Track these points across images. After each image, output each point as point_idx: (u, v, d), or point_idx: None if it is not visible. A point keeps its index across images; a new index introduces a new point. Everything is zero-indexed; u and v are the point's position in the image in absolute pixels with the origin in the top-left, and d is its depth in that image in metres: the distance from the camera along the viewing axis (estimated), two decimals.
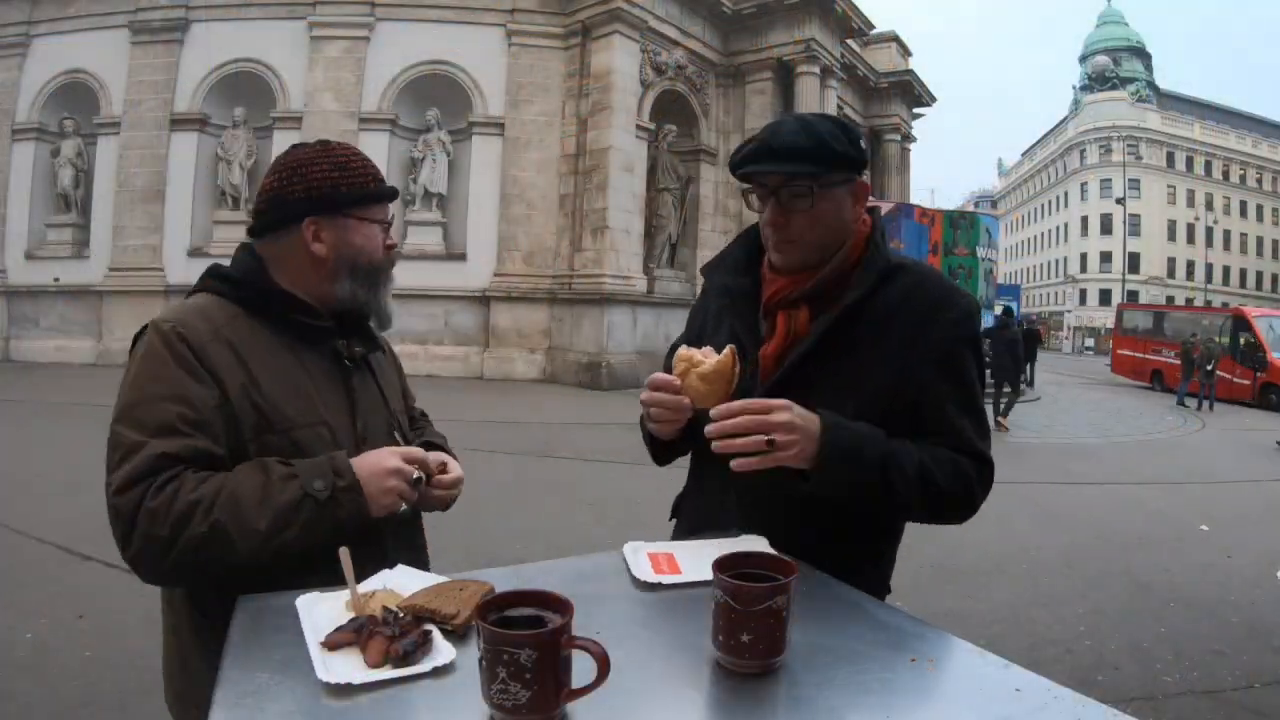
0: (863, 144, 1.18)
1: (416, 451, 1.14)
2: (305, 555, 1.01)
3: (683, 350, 1.10)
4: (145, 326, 1.10)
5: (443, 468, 1.20)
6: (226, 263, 1.22)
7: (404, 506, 1.11)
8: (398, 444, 1.25)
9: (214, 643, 1.11)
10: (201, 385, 1.04)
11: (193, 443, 1.01)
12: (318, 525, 1.02)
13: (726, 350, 1.07)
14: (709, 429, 1.02)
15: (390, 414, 1.29)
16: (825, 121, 1.16)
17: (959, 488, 1.12)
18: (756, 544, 1.06)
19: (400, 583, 0.95)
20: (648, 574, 0.98)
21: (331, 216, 1.18)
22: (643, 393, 1.15)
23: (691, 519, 1.32)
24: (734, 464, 1.01)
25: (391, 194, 1.27)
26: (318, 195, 1.16)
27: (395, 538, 1.19)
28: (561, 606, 0.71)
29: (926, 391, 1.13)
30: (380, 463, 1.08)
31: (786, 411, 1.01)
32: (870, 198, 1.23)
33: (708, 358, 1.07)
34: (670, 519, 1.41)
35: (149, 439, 0.99)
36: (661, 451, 1.31)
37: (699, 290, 1.43)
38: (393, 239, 1.28)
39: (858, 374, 1.13)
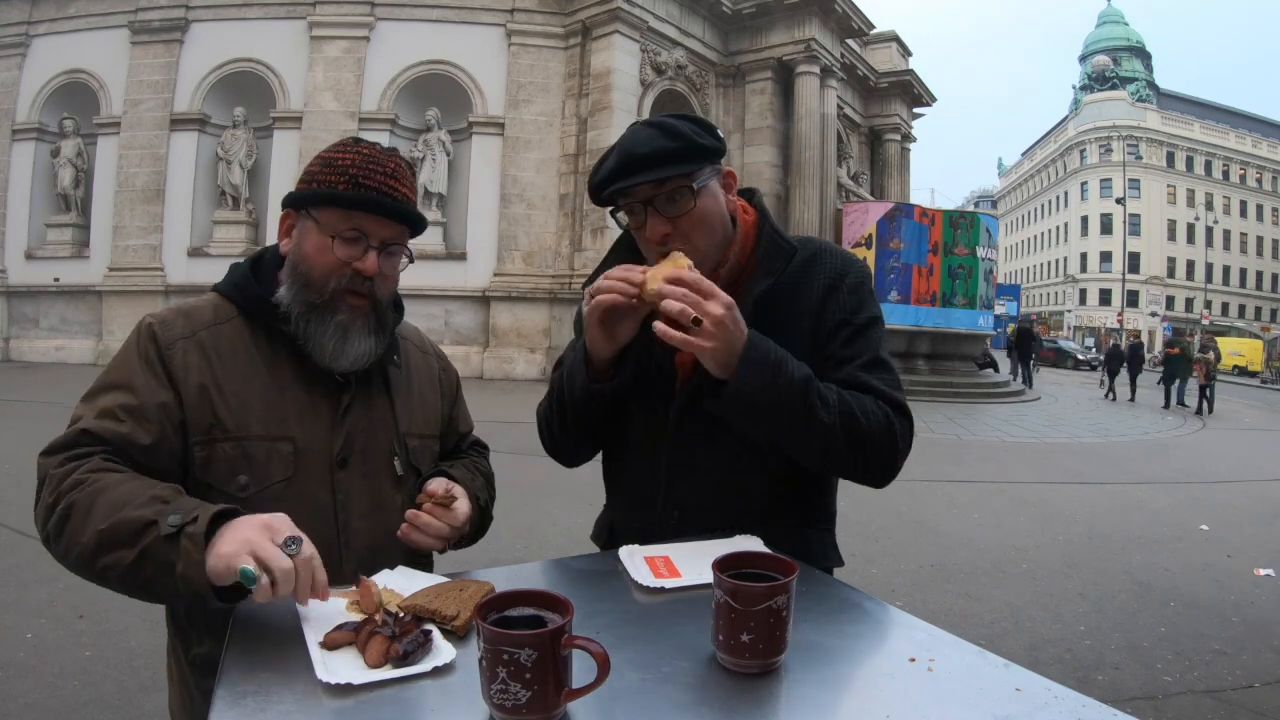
0: (719, 131, 1.17)
1: (308, 548, 0.86)
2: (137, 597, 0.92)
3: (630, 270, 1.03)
4: None
5: (445, 497, 1.08)
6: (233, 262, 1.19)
7: (250, 567, 0.81)
8: (396, 472, 1.16)
9: (183, 649, 1.11)
10: (154, 381, 1.03)
11: (119, 428, 0.99)
12: (150, 563, 0.87)
13: (687, 262, 1.02)
14: (656, 290, 0.98)
15: (399, 437, 1.18)
16: (677, 118, 1.13)
17: (879, 428, 1.08)
18: (753, 544, 1.07)
19: (400, 583, 0.95)
20: (648, 579, 0.98)
21: (298, 212, 1.12)
22: (589, 297, 1.06)
23: (624, 499, 1.29)
24: (655, 325, 0.99)
25: (366, 203, 1.07)
26: (297, 188, 1.12)
27: (361, 551, 1.10)
28: (561, 606, 0.71)
29: (840, 353, 1.14)
30: (254, 521, 0.87)
31: (723, 307, 0.98)
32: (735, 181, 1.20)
33: (674, 258, 1.03)
34: (593, 539, 1.37)
35: (86, 416, 1.01)
36: (580, 419, 1.18)
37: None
38: (368, 262, 1.08)
39: None
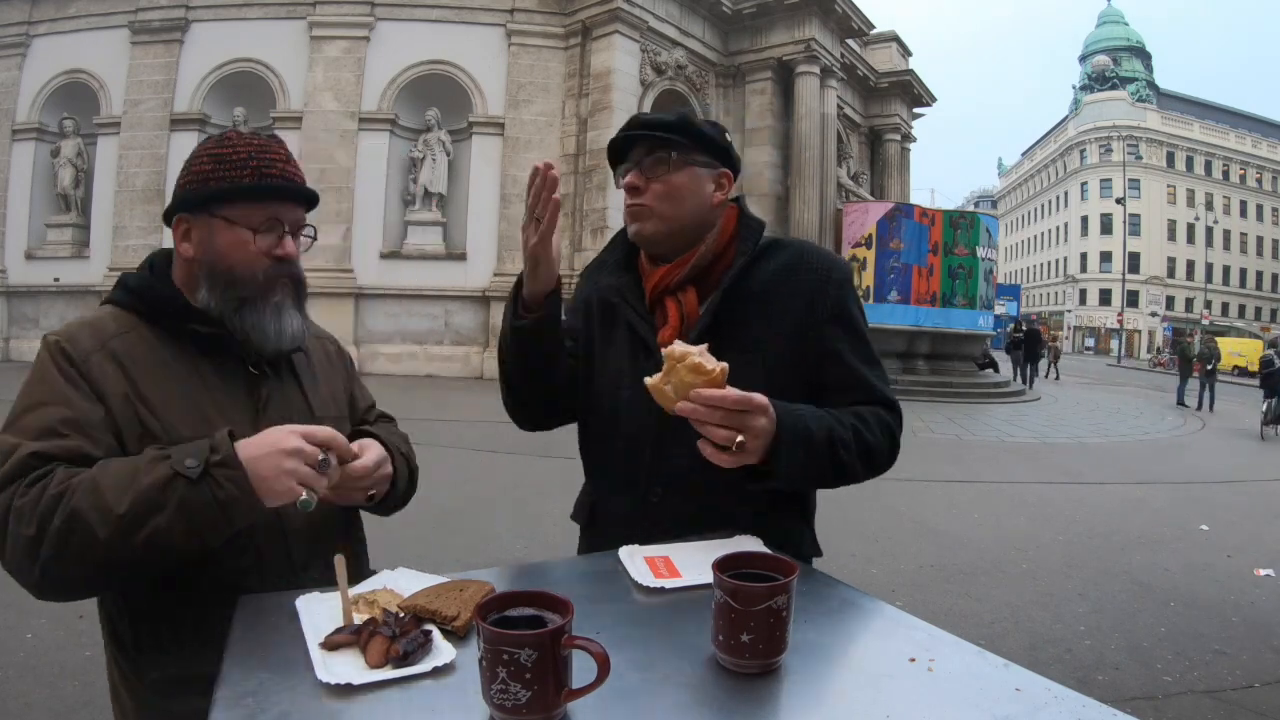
0: (729, 137, 1.26)
1: (324, 431, 0.98)
2: (205, 554, 0.94)
3: (677, 347, 1.01)
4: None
5: (354, 453, 1.05)
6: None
7: (306, 497, 0.93)
8: (320, 459, 1.13)
9: (134, 675, 1.09)
10: (81, 396, 1.00)
11: (67, 443, 0.95)
12: (196, 510, 0.89)
13: (721, 367, 0.99)
14: (681, 407, 0.98)
15: (316, 421, 1.14)
16: (697, 117, 1.25)
17: (886, 441, 1.18)
18: (752, 544, 1.07)
19: (400, 583, 0.95)
20: (648, 579, 0.98)
21: (197, 214, 1.09)
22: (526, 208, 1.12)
23: (606, 478, 1.29)
24: (704, 451, 1.00)
25: (276, 191, 1.09)
26: (187, 190, 1.09)
27: (303, 537, 1.10)
28: (561, 606, 0.71)
29: (830, 349, 1.20)
30: (276, 442, 0.94)
31: (764, 417, 1.01)
32: (733, 192, 1.28)
33: (703, 357, 0.98)
34: (573, 517, 1.38)
35: (24, 441, 0.95)
36: (514, 364, 1.23)
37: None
38: (287, 247, 1.11)
39: (756, 344, 1.19)
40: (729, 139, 1.27)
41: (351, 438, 1.15)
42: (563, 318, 1.24)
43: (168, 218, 1.13)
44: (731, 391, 0.98)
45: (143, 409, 1.02)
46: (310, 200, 1.16)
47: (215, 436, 0.94)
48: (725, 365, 0.99)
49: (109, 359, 1.03)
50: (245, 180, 1.07)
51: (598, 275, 1.34)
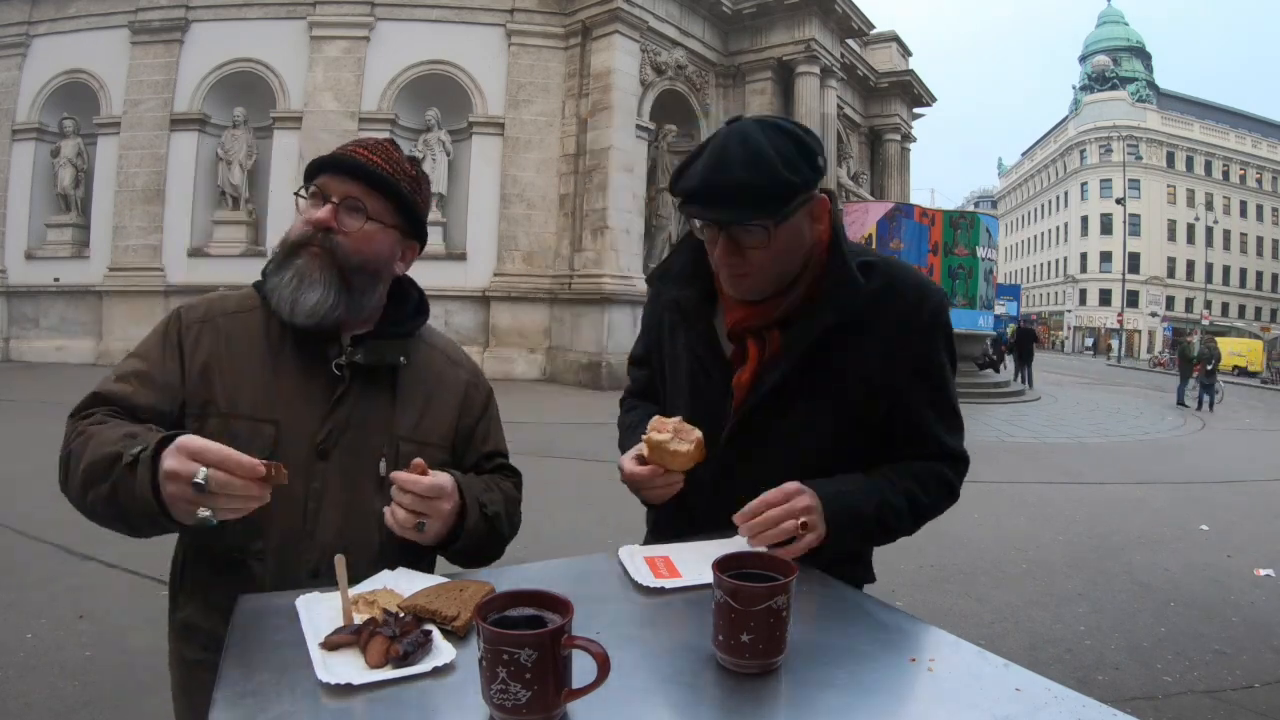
0: (820, 160, 1.06)
1: (216, 451, 0.89)
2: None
3: (651, 435, 1.09)
4: None
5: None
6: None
7: (205, 514, 0.89)
8: (379, 473, 1.14)
9: (171, 614, 1.18)
10: (166, 355, 1.12)
11: (124, 389, 1.09)
12: (121, 493, 0.93)
13: (697, 440, 1.09)
14: (742, 529, 1.03)
15: (392, 439, 1.16)
16: (779, 137, 1.04)
17: (943, 498, 1.17)
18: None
19: (400, 583, 0.95)
20: (648, 579, 0.98)
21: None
22: (623, 479, 1.18)
23: (665, 514, 1.26)
24: (780, 553, 0.98)
25: (326, 162, 1.14)
26: None
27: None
28: (561, 606, 0.71)
29: (903, 399, 1.14)
30: (162, 460, 0.90)
31: (806, 495, 1.04)
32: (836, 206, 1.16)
33: (678, 434, 1.09)
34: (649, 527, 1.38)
35: (105, 381, 1.11)
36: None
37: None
38: (319, 212, 1.11)
39: (832, 391, 1.12)
40: (817, 152, 1.06)
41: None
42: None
43: None
44: (770, 509, 1.02)
45: (217, 379, 1.11)
46: (363, 175, 1.13)
47: (159, 436, 0.94)
48: (699, 435, 1.09)
49: (210, 332, 1.14)
50: (317, 161, 1.16)
51: (662, 284, 1.26)
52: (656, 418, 1.11)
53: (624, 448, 1.25)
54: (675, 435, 1.07)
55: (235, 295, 1.21)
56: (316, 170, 1.15)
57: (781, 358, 1.12)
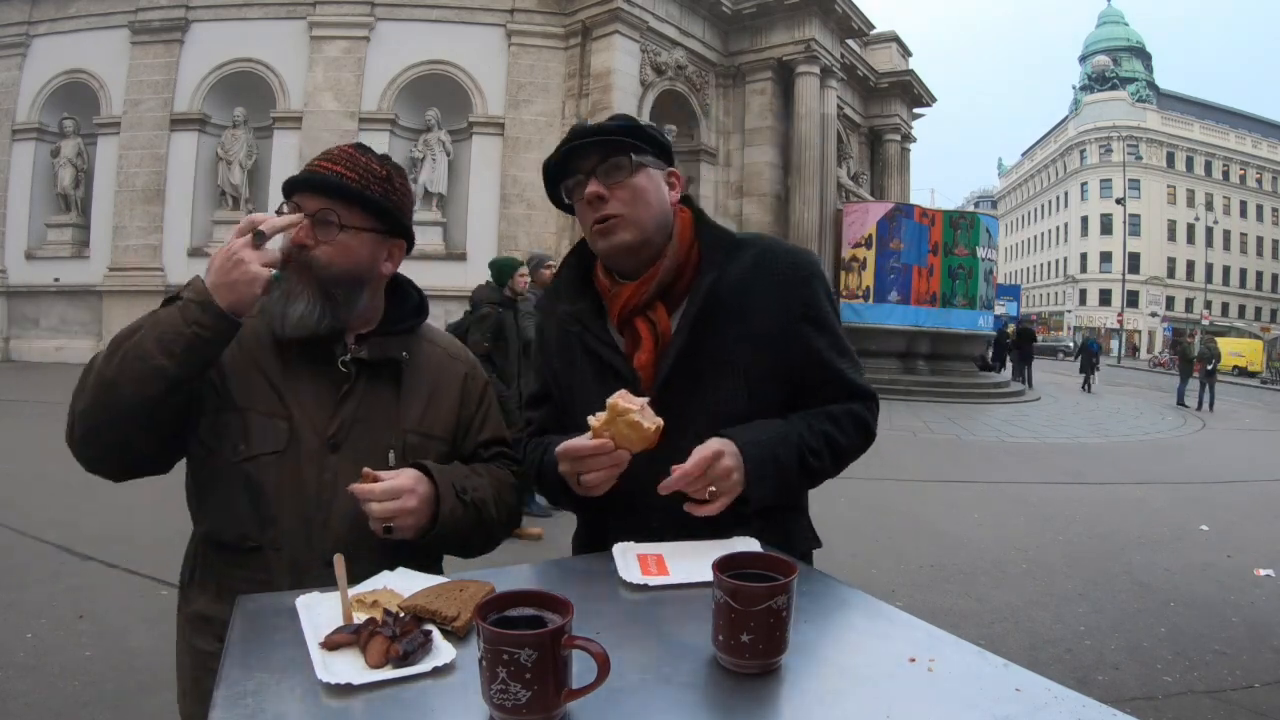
0: (670, 146, 1.24)
1: (254, 216, 1.08)
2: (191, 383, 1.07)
3: (618, 402, 1.04)
4: None
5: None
6: None
7: (270, 273, 1.05)
8: (389, 465, 1.18)
9: (182, 608, 1.22)
10: None
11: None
12: (158, 328, 1.03)
13: (659, 425, 1.04)
14: (661, 489, 1.04)
15: (399, 432, 1.21)
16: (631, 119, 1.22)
17: (860, 437, 1.22)
18: (749, 544, 1.06)
19: (400, 583, 0.95)
20: (635, 575, 0.98)
21: None
22: (563, 465, 1.11)
23: (603, 508, 1.19)
24: (695, 512, 1.06)
25: (292, 183, 1.18)
26: None
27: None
28: (561, 606, 0.71)
29: (808, 348, 1.20)
30: (215, 258, 1.06)
31: (726, 459, 1.06)
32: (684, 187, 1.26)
33: (642, 415, 1.04)
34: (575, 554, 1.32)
35: None
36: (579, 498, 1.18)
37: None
38: (296, 235, 1.16)
39: (735, 352, 1.17)
40: (666, 136, 1.24)
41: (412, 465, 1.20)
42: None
43: None
44: (690, 463, 1.04)
45: (230, 376, 1.16)
46: (321, 187, 1.17)
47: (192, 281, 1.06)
48: (660, 423, 1.04)
49: (248, 329, 1.17)
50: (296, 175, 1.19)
51: (552, 304, 1.29)
52: (621, 391, 1.06)
53: (551, 478, 1.18)
54: (641, 411, 1.04)
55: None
56: (290, 189, 1.18)
57: (677, 328, 1.17)
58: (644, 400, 1.05)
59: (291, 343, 1.17)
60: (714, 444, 1.07)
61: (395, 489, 1.09)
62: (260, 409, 1.15)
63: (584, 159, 1.16)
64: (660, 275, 1.17)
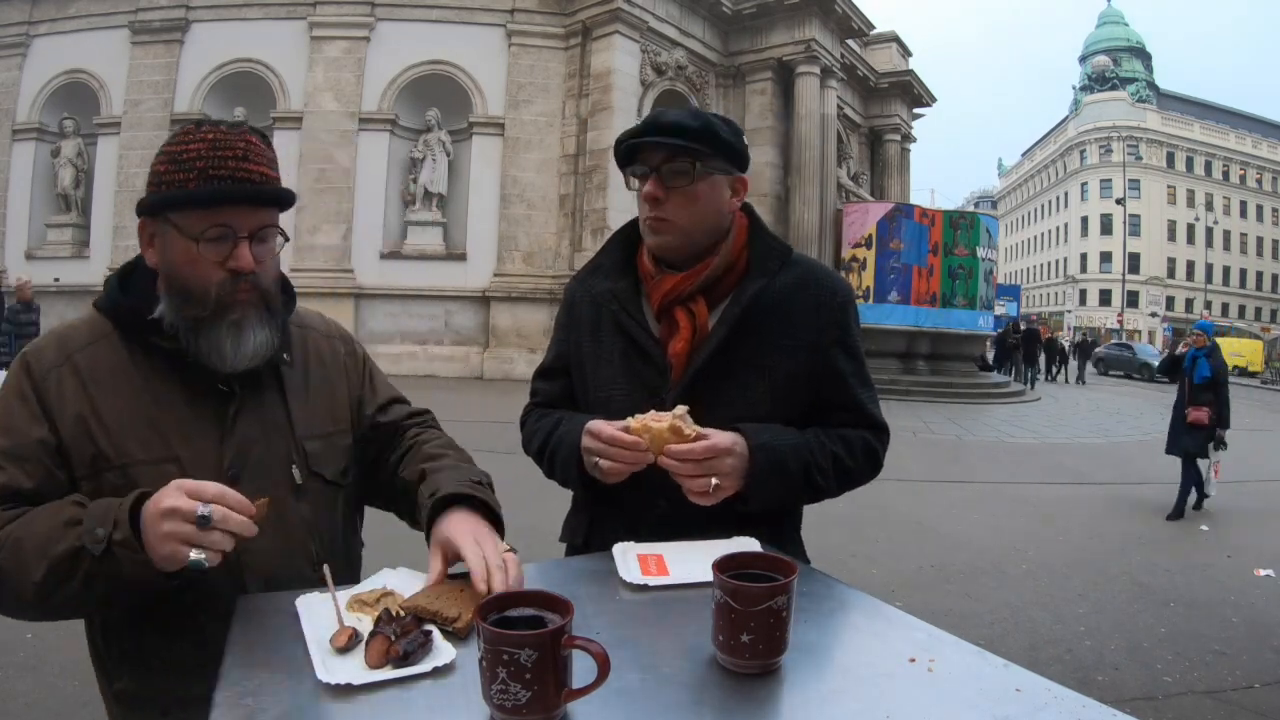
0: (746, 149, 1.23)
1: (212, 487, 0.87)
2: (137, 599, 0.92)
3: (644, 421, 1.08)
4: None
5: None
6: None
7: (195, 558, 0.84)
8: (295, 481, 1.07)
9: (105, 682, 1.13)
10: (31, 418, 0.97)
11: (2, 478, 0.95)
12: (100, 581, 0.87)
13: (695, 432, 1.08)
14: (662, 462, 1.08)
15: (295, 443, 1.09)
16: (714, 116, 1.21)
17: (867, 465, 1.25)
18: (748, 545, 1.07)
19: (400, 583, 0.95)
20: (635, 575, 0.98)
21: (156, 219, 1.01)
22: (589, 440, 1.13)
23: (605, 491, 1.21)
24: (689, 497, 1.10)
25: (226, 195, 0.97)
26: (147, 192, 1.01)
27: (261, 565, 1.01)
28: (561, 607, 0.71)
29: (834, 370, 1.23)
30: (156, 504, 0.86)
31: (731, 457, 1.09)
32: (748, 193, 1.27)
33: (683, 420, 1.08)
34: (561, 540, 1.38)
35: None
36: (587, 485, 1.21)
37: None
38: (241, 258, 0.99)
39: (767, 357, 1.20)
40: (742, 137, 1.24)
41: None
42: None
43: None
44: (699, 445, 1.06)
45: (97, 429, 0.98)
46: (273, 200, 1.03)
47: (123, 503, 0.88)
48: (698, 430, 1.08)
49: (71, 374, 1.00)
50: (190, 185, 0.97)
51: (591, 280, 1.30)
52: (683, 414, 1.09)
53: (564, 449, 1.21)
54: (683, 418, 1.08)
55: (82, 325, 1.06)
56: (207, 202, 0.97)
57: (718, 323, 1.19)
58: (684, 409, 1.09)
59: (154, 369, 1.02)
60: (727, 439, 1.09)
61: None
62: (140, 458, 0.98)
63: (652, 153, 1.17)
64: (709, 271, 1.20)
